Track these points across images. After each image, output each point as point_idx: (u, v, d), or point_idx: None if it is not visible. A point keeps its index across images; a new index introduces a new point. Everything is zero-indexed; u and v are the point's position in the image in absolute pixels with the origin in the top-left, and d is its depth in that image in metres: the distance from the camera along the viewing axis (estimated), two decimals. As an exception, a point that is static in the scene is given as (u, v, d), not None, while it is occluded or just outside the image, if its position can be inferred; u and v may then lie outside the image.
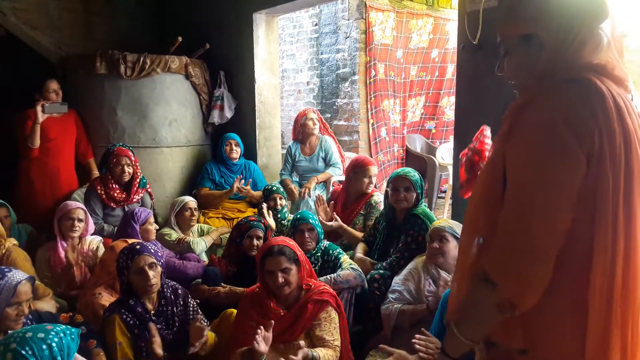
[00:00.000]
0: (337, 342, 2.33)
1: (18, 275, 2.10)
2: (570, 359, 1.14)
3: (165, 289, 2.45)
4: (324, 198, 3.87)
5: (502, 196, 1.16)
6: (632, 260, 1.11)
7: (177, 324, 2.44)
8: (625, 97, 1.11)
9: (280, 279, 2.30)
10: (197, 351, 2.31)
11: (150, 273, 2.32)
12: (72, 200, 3.92)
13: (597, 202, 1.08)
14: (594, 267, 1.09)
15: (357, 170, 3.64)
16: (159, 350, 2.22)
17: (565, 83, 1.12)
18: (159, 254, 2.47)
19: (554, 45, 1.15)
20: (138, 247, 2.39)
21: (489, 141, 1.56)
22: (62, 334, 1.73)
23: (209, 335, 2.40)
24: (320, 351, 2.24)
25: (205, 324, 2.41)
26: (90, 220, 3.35)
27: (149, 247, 2.41)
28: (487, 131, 1.66)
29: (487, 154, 1.45)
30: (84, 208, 3.32)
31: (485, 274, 1.14)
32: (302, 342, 2.19)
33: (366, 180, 3.63)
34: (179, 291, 2.53)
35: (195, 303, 2.56)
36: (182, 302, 2.50)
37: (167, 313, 2.42)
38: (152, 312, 2.39)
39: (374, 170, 3.64)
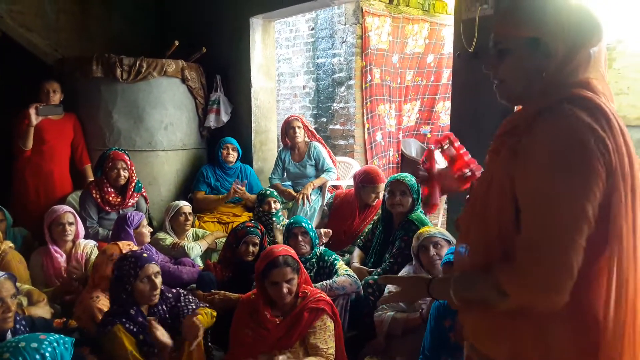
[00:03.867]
0: (332, 351, 2.34)
1: None
2: None
3: None
4: (320, 204, 3.92)
5: (513, 218, 1.17)
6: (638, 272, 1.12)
7: (168, 321, 2.43)
8: (618, 116, 1.14)
9: (285, 290, 2.32)
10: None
11: (157, 282, 2.34)
12: (66, 204, 3.92)
13: (611, 217, 1.09)
14: (599, 280, 1.11)
15: (365, 184, 3.66)
16: (166, 339, 2.23)
17: (567, 102, 1.12)
18: (159, 262, 2.50)
19: (562, 55, 1.16)
20: (145, 255, 2.39)
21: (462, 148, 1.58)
22: (55, 344, 1.72)
23: (205, 314, 2.43)
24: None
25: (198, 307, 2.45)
26: (80, 222, 3.33)
27: (152, 255, 2.46)
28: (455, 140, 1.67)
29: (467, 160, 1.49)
30: (72, 211, 3.28)
31: (499, 286, 1.15)
32: (281, 357, 2.20)
33: (373, 195, 3.67)
34: (168, 292, 2.53)
35: (194, 302, 2.54)
36: (173, 301, 2.50)
37: (159, 313, 2.43)
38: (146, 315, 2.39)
39: (382, 187, 3.66)
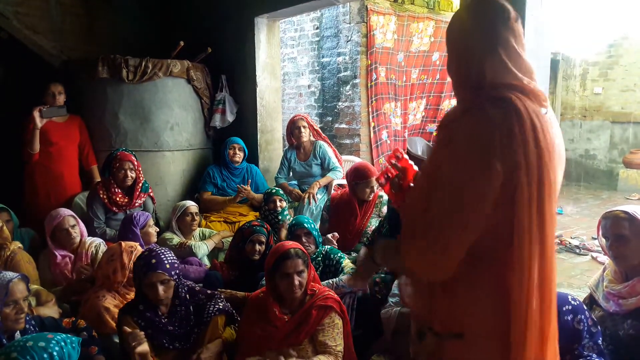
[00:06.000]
0: (340, 348, 2.35)
1: (9, 275, 2.11)
2: (498, 338, 1.27)
3: (180, 289, 2.46)
4: (326, 204, 3.94)
5: None
6: (545, 259, 1.25)
7: (192, 322, 2.47)
8: (539, 114, 1.24)
9: (296, 281, 2.33)
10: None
11: (160, 289, 2.33)
12: (73, 205, 3.95)
13: (515, 209, 1.21)
14: (513, 265, 1.23)
15: (358, 181, 3.65)
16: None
17: (490, 101, 1.24)
18: (176, 264, 2.43)
19: (458, 65, 1.34)
20: (154, 261, 2.35)
21: (409, 159, 1.63)
22: (62, 343, 1.74)
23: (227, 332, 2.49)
24: (320, 358, 2.26)
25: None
26: (81, 222, 3.34)
27: (164, 262, 2.36)
28: (404, 152, 1.73)
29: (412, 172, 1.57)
30: (71, 213, 3.28)
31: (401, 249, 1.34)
32: (292, 352, 2.21)
33: (368, 190, 3.65)
34: (196, 290, 2.57)
35: (224, 308, 2.55)
36: (204, 300, 2.53)
37: (181, 312, 2.45)
38: (165, 314, 2.42)
39: (374, 181, 3.66)
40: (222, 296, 2.66)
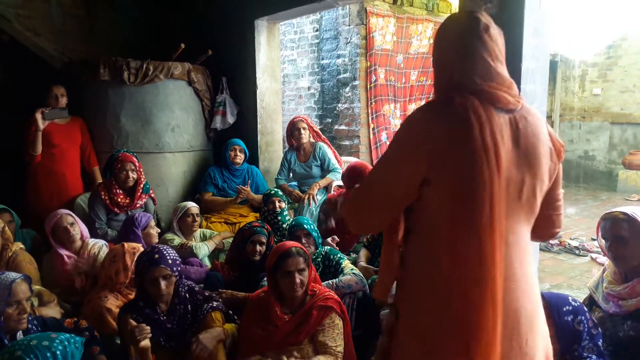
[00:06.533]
0: (340, 348, 2.36)
1: (12, 275, 2.12)
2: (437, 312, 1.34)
3: (180, 288, 2.49)
4: (322, 206, 3.95)
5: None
6: (481, 253, 1.26)
7: (188, 321, 2.48)
8: (482, 115, 1.28)
9: (298, 280, 2.34)
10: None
11: (163, 284, 2.36)
12: (75, 206, 3.96)
13: (447, 202, 1.30)
14: (441, 257, 1.30)
15: (359, 181, 3.62)
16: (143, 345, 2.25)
17: (437, 101, 1.39)
18: (177, 261, 2.47)
19: (436, 67, 1.46)
20: (157, 256, 2.38)
21: None
22: (66, 343, 1.75)
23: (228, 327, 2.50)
24: (320, 358, 2.28)
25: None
26: (80, 221, 3.34)
27: (167, 257, 2.41)
28: None
29: None
30: (69, 212, 3.29)
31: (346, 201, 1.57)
32: (296, 354, 2.23)
33: None
34: (195, 290, 2.59)
35: (213, 304, 2.57)
36: (201, 301, 2.56)
37: (179, 311, 2.47)
38: (165, 311, 2.44)
39: None
40: (219, 298, 2.69)
